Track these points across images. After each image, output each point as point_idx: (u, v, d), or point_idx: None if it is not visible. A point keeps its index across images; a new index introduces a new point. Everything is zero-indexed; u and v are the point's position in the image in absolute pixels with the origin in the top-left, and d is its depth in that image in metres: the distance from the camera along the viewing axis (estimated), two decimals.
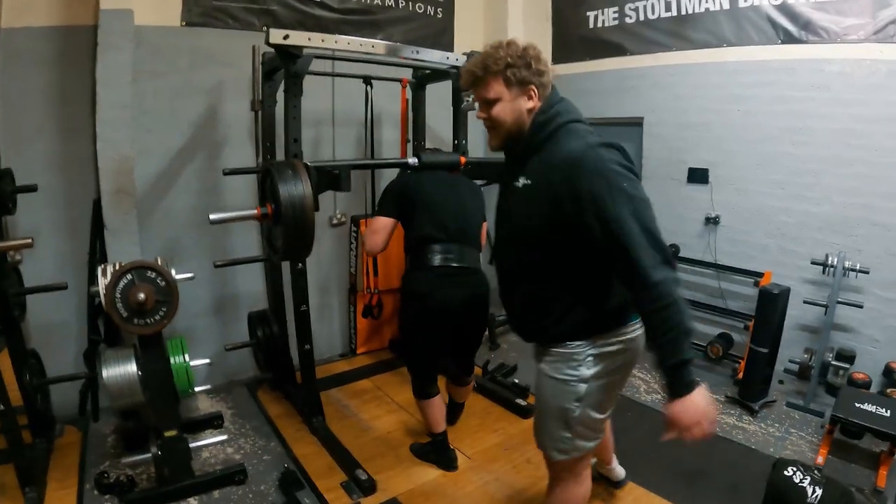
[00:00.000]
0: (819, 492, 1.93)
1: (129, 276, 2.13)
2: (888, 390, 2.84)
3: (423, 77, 3.41)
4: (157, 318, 2.18)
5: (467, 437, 2.86)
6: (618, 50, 4.10)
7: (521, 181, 1.53)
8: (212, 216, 2.04)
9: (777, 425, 3.01)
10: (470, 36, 4.27)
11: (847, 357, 3.01)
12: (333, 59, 3.10)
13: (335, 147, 3.67)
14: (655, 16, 3.81)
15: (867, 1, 2.89)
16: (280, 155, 2.78)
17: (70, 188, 2.85)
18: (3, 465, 2.33)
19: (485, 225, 2.61)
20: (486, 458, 2.70)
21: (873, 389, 2.92)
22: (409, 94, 3.54)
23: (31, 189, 2.39)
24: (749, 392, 3.17)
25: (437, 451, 2.62)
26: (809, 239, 3.26)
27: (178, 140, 3.11)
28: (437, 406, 2.54)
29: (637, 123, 4.08)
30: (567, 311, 1.53)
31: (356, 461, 2.58)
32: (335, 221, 3.81)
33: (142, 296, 2.10)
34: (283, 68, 2.46)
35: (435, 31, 4.07)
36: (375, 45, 2.62)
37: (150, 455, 2.31)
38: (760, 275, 3.41)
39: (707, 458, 2.68)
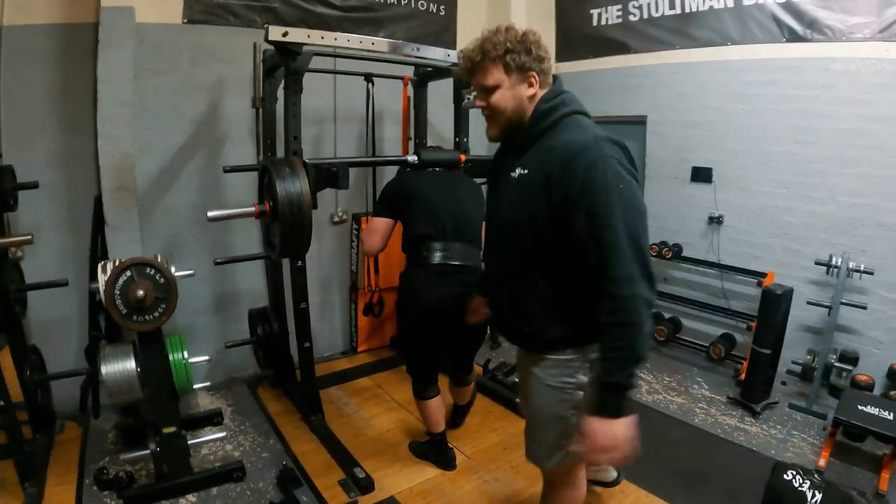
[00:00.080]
0: (819, 496, 1.92)
1: (128, 273, 2.13)
2: (891, 393, 2.82)
3: (425, 74, 3.39)
4: (156, 314, 2.18)
5: (467, 437, 2.86)
6: (621, 48, 4.08)
7: (518, 171, 1.45)
8: (210, 213, 2.05)
9: (779, 427, 2.99)
10: (472, 34, 4.20)
11: (850, 359, 2.98)
12: (335, 56, 3.10)
13: (337, 145, 3.67)
14: (659, 13, 3.79)
15: None
16: (281, 152, 2.78)
17: (71, 185, 2.86)
18: (4, 460, 2.34)
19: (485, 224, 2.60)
20: (485, 457, 2.69)
21: (876, 392, 2.89)
22: (410, 91, 3.53)
23: (33, 186, 2.40)
24: (751, 393, 3.15)
25: (435, 451, 2.61)
26: (814, 239, 3.24)
27: (180, 137, 3.11)
28: (437, 407, 2.53)
29: (640, 122, 4.06)
30: (563, 315, 1.45)
31: (354, 459, 2.58)
32: (336, 219, 3.81)
33: (141, 292, 2.10)
34: (283, 66, 2.46)
35: (437, 28, 4.06)
36: (375, 42, 2.61)
37: (149, 451, 2.31)
38: (764, 275, 3.38)
39: (707, 459, 2.67)
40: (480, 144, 2.85)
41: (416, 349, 2.52)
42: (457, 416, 2.89)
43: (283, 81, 2.57)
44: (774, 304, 3.08)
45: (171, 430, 2.30)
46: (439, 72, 3.23)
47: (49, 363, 2.71)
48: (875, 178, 2.96)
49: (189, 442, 2.42)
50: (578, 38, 4.39)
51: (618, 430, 1.30)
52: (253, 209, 2.09)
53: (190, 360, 2.36)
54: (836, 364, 2.98)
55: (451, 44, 4.11)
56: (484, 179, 2.79)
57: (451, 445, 2.65)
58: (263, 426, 2.95)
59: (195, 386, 2.53)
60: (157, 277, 2.17)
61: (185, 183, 3.17)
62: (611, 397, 1.30)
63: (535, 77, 1.42)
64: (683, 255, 3.83)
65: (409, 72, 3.46)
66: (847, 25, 2.96)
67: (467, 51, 1.47)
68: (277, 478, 2.45)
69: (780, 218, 3.38)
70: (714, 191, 3.66)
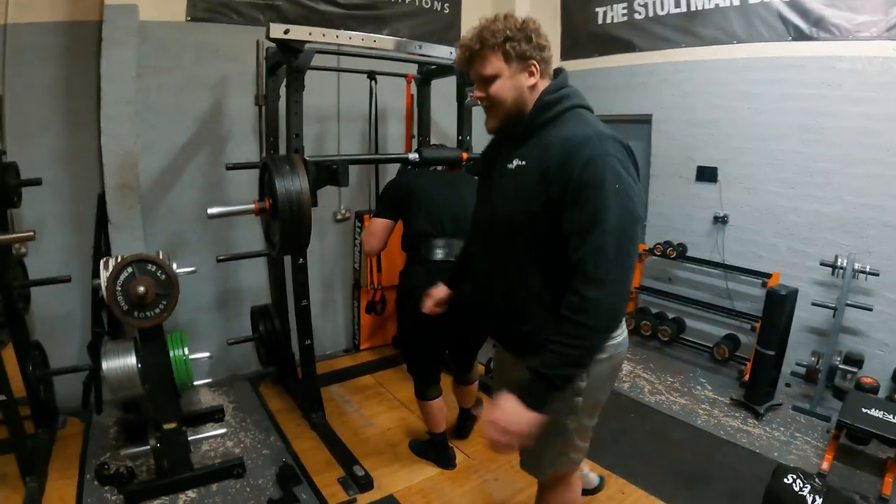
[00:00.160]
0: (819, 501, 1.89)
1: (129, 270, 2.14)
2: None
3: (429, 72, 3.39)
4: (157, 311, 2.19)
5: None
6: (626, 46, 4.07)
7: (515, 162, 1.38)
8: (209, 210, 2.06)
9: (782, 429, 2.96)
10: None
11: (855, 361, 2.95)
12: (339, 54, 3.10)
13: (340, 143, 3.67)
14: (665, 12, 3.77)
15: None
16: (283, 150, 2.78)
17: (75, 182, 2.88)
18: (5, 454, 2.36)
19: None
20: (485, 457, 2.67)
21: (881, 394, 2.87)
22: (414, 89, 3.53)
23: (36, 182, 2.42)
24: (755, 395, 3.12)
25: (436, 450, 2.61)
26: (819, 239, 3.21)
27: (183, 135, 3.12)
28: (439, 408, 2.52)
29: (645, 121, 4.04)
30: (557, 317, 1.33)
31: (354, 457, 2.58)
32: (339, 217, 3.81)
33: (142, 289, 2.11)
34: (285, 63, 2.46)
35: (441, 26, 4.05)
36: (377, 39, 2.60)
37: (149, 447, 2.33)
38: (768, 275, 3.35)
39: (709, 461, 2.65)
40: (483, 142, 2.83)
41: (416, 347, 2.51)
42: (463, 422, 2.83)
43: (285, 79, 2.57)
44: (779, 304, 3.05)
45: (172, 426, 2.31)
46: (443, 69, 3.22)
47: (52, 359, 2.73)
48: (881, 177, 2.93)
49: (190, 438, 2.43)
50: (584, 37, 4.38)
51: (524, 421, 1.27)
52: (253, 206, 2.10)
53: (190, 357, 2.37)
54: (841, 366, 2.95)
55: (455, 42, 4.09)
56: None
57: (451, 445, 2.65)
58: (264, 423, 2.96)
59: (197, 382, 2.54)
60: (159, 274, 2.18)
61: (189, 181, 3.18)
62: (538, 388, 1.27)
63: (535, 66, 1.36)
64: (688, 254, 3.81)
65: (412, 69, 3.46)
66: (853, 24, 2.93)
67: (465, 39, 1.40)
68: (277, 475, 2.46)
69: (786, 218, 3.35)
70: (719, 190, 3.64)
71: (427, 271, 2.30)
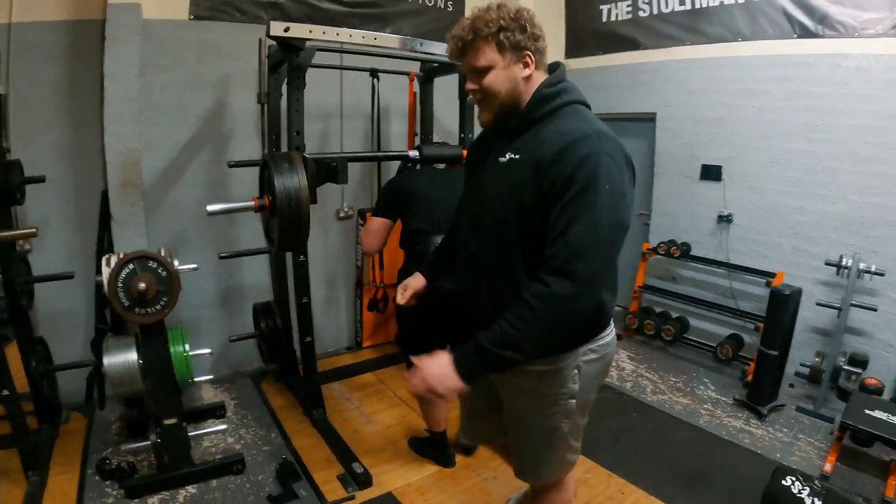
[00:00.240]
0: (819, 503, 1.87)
1: (131, 266, 2.15)
2: None
3: (431, 70, 3.38)
4: (158, 307, 2.20)
5: None
6: (631, 44, 4.04)
7: (508, 156, 1.34)
8: (209, 207, 2.07)
9: (785, 430, 2.94)
10: None
11: (860, 362, 2.92)
12: (341, 52, 3.10)
13: (343, 140, 3.68)
14: (669, 9, 3.74)
15: None
16: (285, 147, 2.79)
17: (79, 180, 2.90)
18: (8, 449, 2.38)
19: None
20: (485, 455, 2.68)
21: (886, 396, 2.84)
22: (416, 87, 3.53)
23: (40, 180, 2.43)
24: (758, 395, 3.10)
25: (435, 448, 2.61)
26: (824, 239, 3.18)
27: (185, 133, 3.14)
28: (440, 407, 2.51)
29: (650, 119, 4.02)
30: None
31: (354, 454, 2.58)
32: (342, 215, 3.82)
33: (143, 285, 2.12)
34: (287, 61, 2.46)
35: (445, 24, 4.03)
36: (379, 37, 2.60)
37: (150, 442, 2.34)
38: (773, 275, 3.33)
39: (710, 461, 2.64)
40: None
41: (415, 345, 2.50)
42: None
43: (287, 77, 2.58)
44: (783, 304, 3.02)
45: (172, 421, 2.32)
46: (445, 67, 3.21)
47: (56, 355, 2.76)
48: (887, 176, 2.90)
49: (191, 434, 2.45)
50: (588, 35, 4.36)
51: (450, 386, 1.25)
52: (252, 203, 2.11)
53: (191, 353, 2.38)
54: (845, 367, 2.93)
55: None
56: None
57: (450, 443, 2.64)
58: (265, 420, 2.97)
59: (199, 379, 2.56)
60: (160, 271, 2.20)
61: (191, 178, 3.19)
62: (474, 361, 1.24)
63: (530, 57, 1.31)
64: (692, 253, 3.79)
65: (415, 67, 3.46)
66: (859, 21, 2.89)
67: (457, 30, 1.33)
68: (277, 471, 2.47)
69: (791, 217, 3.32)
70: (723, 189, 3.62)
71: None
